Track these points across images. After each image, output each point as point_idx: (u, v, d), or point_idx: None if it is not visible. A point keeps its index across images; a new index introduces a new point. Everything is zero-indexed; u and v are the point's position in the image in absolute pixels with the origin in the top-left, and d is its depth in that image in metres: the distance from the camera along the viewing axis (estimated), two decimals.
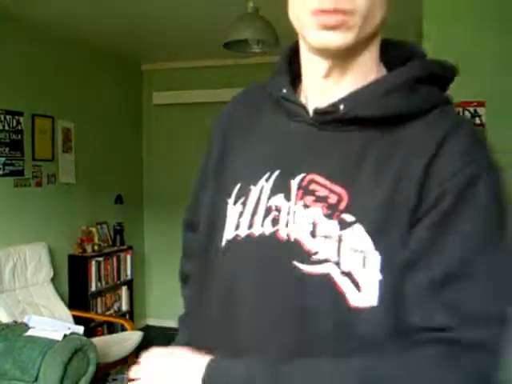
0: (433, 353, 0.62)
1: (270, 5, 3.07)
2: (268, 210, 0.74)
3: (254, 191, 0.76)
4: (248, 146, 0.81)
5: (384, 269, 0.65)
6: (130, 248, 4.89)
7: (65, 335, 2.92)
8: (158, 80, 5.45)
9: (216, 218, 0.80)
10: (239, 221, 0.76)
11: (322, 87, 0.75)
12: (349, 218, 0.68)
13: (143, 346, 4.07)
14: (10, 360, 2.78)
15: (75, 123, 4.44)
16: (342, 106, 0.71)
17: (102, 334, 4.28)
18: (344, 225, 0.68)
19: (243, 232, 0.75)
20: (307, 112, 0.75)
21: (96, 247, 4.45)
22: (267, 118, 0.82)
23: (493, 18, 2.93)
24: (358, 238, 0.67)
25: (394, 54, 0.76)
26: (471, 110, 2.95)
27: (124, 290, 4.80)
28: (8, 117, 3.73)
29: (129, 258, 4.85)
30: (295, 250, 0.70)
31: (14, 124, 3.79)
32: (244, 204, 0.77)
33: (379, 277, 0.65)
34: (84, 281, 4.24)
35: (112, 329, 4.50)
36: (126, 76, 5.29)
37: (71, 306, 4.08)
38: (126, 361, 3.69)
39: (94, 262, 4.34)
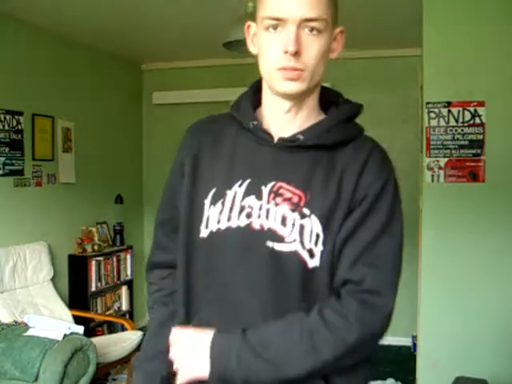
0: (350, 303, 0.97)
1: None
2: (242, 208, 1.03)
3: (230, 194, 1.04)
4: (218, 161, 1.09)
5: (325, 244, 1.00)
6: (130, 248, 4.90)
7: (65, 335, 2.92)
8: (158, 80, 5.45)
9: (194, 215, 1.07)
10: (219, 217, 1.04)
11: (282, 120, 1.07)
12: (307, 211, 1.00)
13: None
14: (9, 360, 2.78)
15: (75, 123, 4.44)
16: (301, 137, 1.04)
17: (102, 334, 4.28)
18: (304, 216, 1.00)
19: (224, 225, 1.03)
20: (272, 138, 1.06)
21: (96, 247, 4.45)
22: (233, 140, 1.10)
23: (493, 19, 2.93)
24: (313, 224, 1.00)
25: (325, 97, 1.12)
26: (471, 109, 2.95)
27: (124, 290, 4.80)
28: (8, 116, 3.73)
29: (129, 257, 4.85)
30: (270, 235, 1.00)
31: (14, 124, 3.79)
32: (223, 204, 1.04)
33: (321, 248, 1.00)
34: (84, 280, 4.24)
35: (112, 329, 4.50)
36: (126, 76, 5.29)
37: (71, 305, 4.08)
38: (126, 361, 3.69)
39: (94, 262, 4.34)
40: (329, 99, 1.12)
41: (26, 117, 3.89)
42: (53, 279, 3.94)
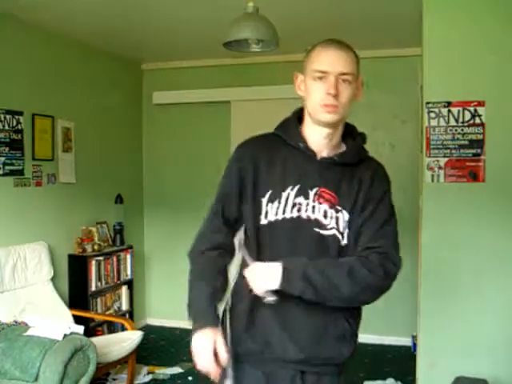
0: (375, 258, 1.46)
1: (270, 5, 3.07)
2: (294, 204, 1.50)
3: (284, 195, 1.51)
4: (273, 172, 1.53)
5: (350, 228, 1.51)
6: (130, 248, 4.89)
7: (65, 335, 2.92)
8: (158, 79, 5.45)
9: (256, 209, 1.52)
10: (277, 210, 1.50)
11: (321, 143, 1.54)
12: (339, 208, 1.51)
13: (143, 345, 4.07)
14: (10, 360, 2.78)
15: (75, 123, 4.44)
16: (336, 158, 1.53)
17: (102, 334, 4.28)
18: (338, 211, 1.51)
19: (280, 216, 1.50)
20: (316, 156, 1.53)
21: (96, 247, 4.45)
22: (284, 155, 1.54)
23: (493, 19, 2.93)
24: (344, 217, 1.51)
25: (345, 128, 1.59)
26: (471, 109, 2.95)
27: (124, 290, 4.80)
28: (8, 116, 3.73)
29: (129, 257, 4.85)
30: (316, 223, 1.49)
31: (14, 123, 3.79)
32: (279, 202, 1.50)
33: (347, 231, 1.51)
34: (84, 280, 4.24)
35: (112, 328, 4.50)
36: (126, 75, 5.29)
37: (71, 305, 4.08)
38: (126, 360, 3.69)
39: (94, 262, 4.34)
40: (348, 129, 1.60)
41: (25, 117, 3.89)
42: (53, 279, 3.94)
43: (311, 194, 1.50)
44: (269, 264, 1.44)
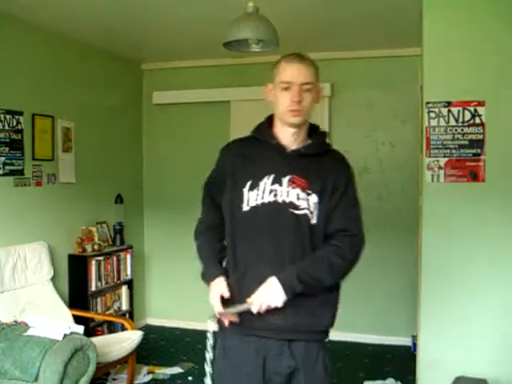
0: (346, 244, 1.78)
1: (270, 5, 3.07)
2: (271, 191, 1.79)
3: (262, 183, 1.80)
4: (250, 164, 1.84)
5: (319, 209, 1.79)
6: (130, 247, 4.89)
7: (65, 335, 2.92)
8: (158, 79, 5.45)
9: (236, 198, 1.82)
10: (257, 197, 1.79)
11: (289, 139, 1.85)
12: (310, 191, 1.79)
13: (143, 345, 4.07)
14: (10, 360, 2.78)
15: (75, 123, 4.44)
16: (302, 150, 1.84)
17: (102, 334, 4.28)
18: (309, 194, 1.78)
19: (260, 201, 1.79)
20: (286, 150, 1.84)
21: (96, 247, 4.45)
22: (260, 151, 1.86)
23: (493, 19, 2.93)
24: (314, 198, 1.78)
25: (310, 126, 1.91)
26: (471, 109, 2.95)
27: (124, 290, 4.79)
28: (8, 116, 3.73)
29: (129, 257, 4.85)
30: (291, 205, 1.78)
31: (14, 123, 3.79)
32: (258, 189, 1.80)
33: (317, 212, 1.79)
34: (84, 280, 4.24)
35: (112, 328, 4.50)
36: (126, 75, 5.29)
37: (71, 305, 4.08)
38: (126, 360, 3.69)
39: (94, 262, 4.34)
40: (311, 128, 1.92)
41: (25, 117, 3.89)
42: (53, 279, 3.94)
43: (284, 181, 1.80)
44: (265, 287, 1.73)
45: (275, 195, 1.78)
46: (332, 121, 4.94)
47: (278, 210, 1.78)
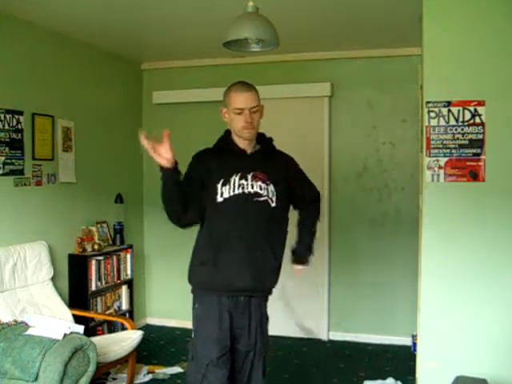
0: (317, 205, 2.75)
1: (270, 5, 3.07)
2: (239, 185, 2.40)
3: (231, 180, 2.40)
4: (221, 165, 2.43)
5: (277, 195, 2.46)
6: (130, 247, 4.89)
7: (65, 334, 2.92)
8: (158, 79, 5.45)
9: (213, 192, 2.39)
10: (229, 190, 2.38)
11: (247, 146, 2.50)
12: (268, 182, 2.45)
13: (143, 345, 4.07)
14: (10, 359, 2.78)
15: (75, 122, 4.44)
16: (258, 152, 2.52)
17: (102, 333, 4.28)
18: (268, 185, 2.44)
19: (231, 193, 2.39)
20: (246, 153, 2.49)
21: (96, 246, 4.45)
22: (226, 156, 2.46)
23: (493, 18, 2.92)
24: (272, 187, 2.45)
25: (258, 135, 2.57)
26: (471, 109, 2.95)
27: (124, 289, 4.80)
28: (8, 116, 3.73)
29: (129, 257, 4.85)
30: (255, 194, 2.41)
31: (14, 123, 3.79)
32: (229, 185, 2.39)
33: (275, 198, 2.45)
34: (84, 280, 4.24)
35: (112, 328, 4.51)
36: (126, 75, 5.29)
37: (71, 305, 4.08)
38: (126, 360, 3.69)
39: (94, 261, 4.34)
40: (258, 136, 2.52)
41: (26, 116, 3.89)
42: (53, 279, 3.94)
43: (249, 176, 2.40)
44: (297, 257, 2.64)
45: (243, 188, 2.38)
46: (332, 120, 4.94)
47: (245, 199, 2.37)
